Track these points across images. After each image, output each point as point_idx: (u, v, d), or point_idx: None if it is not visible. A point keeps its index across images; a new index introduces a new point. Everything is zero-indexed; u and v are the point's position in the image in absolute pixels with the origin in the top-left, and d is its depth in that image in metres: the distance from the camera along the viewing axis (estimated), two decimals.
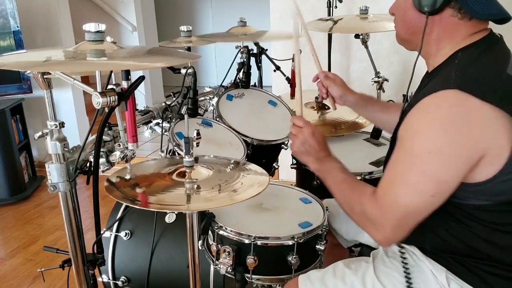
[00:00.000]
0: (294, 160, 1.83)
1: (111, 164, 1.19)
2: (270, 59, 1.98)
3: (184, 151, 1.12)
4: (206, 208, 1.16)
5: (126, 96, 1.02)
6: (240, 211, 1.36)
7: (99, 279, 1.57)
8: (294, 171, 1.86)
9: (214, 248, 1.27)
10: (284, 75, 1.97)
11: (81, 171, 1.12)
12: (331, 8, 2.49)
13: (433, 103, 0.92)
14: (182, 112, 1.61)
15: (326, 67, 2.58)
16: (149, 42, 5.09)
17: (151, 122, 1.58)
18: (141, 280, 1.54)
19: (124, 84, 1.04)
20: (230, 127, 1.71)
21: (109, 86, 1.04)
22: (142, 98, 4.91)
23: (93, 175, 1.09)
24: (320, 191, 1.61)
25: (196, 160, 1.17)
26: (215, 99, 1.80)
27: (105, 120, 1.03)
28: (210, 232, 1.30)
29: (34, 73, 1.05)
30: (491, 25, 1.02)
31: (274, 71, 2.01)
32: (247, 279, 1.25)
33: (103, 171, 1.16)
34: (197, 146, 1.14)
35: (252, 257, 1.22)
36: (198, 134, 1.14)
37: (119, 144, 1.16)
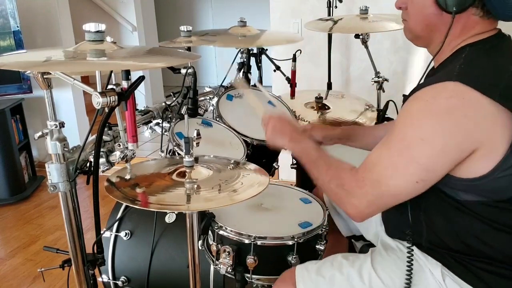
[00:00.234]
0: (294, 160, 1.83)
1: (111, 164, 1.19)
2: (270, 59, 1.98)
3: (184, 151, 1.12)
4: (206, 208, 1.15)
5: (126, 96, 1.02)
6: (240, 211, 1.36)
7: (99, 279, 1.57)
8: (294, 171, 1.86)
9: (214, 248, 1.27)
10: (284, 75, 1.97)
11: (81, 171, 1.12)
12: (331, 8, 2.50)
13: (431, 93, 0.92)
14: (182, 112, 1.61)
15: (326, 67, 2.59)
16: (149, 42, 5.09)
17: (151, 122, 1.58)
18: (141, 280, 1.54)
19: (124, 84, 1.04)
20: (230, 127, 1.71)
21: (109, 86, 1.04)
22: (142, 98, 4.91)
23: (93, 175, 1.09)
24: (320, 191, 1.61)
25: (196, 160, 1.17)
26: (215, 99, 1.80)
27: (105, 120, 1.03)
28: (210, 232, 1.30)
29: (34, 73, 1.05)
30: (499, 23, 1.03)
31: (274, 71, 2.01)
32: (247, 279, 1.25)
33: (103, 171, 1.16)
34: (197, 146, 1.14)
35: (252, 257, 1.22)
36: (198, 134, 1.14)
37: (119, 144, 1.16)
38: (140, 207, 0.99)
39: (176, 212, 1.53)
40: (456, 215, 0.99)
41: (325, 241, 1.31)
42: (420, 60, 2.57)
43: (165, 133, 1.58)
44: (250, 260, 1.22)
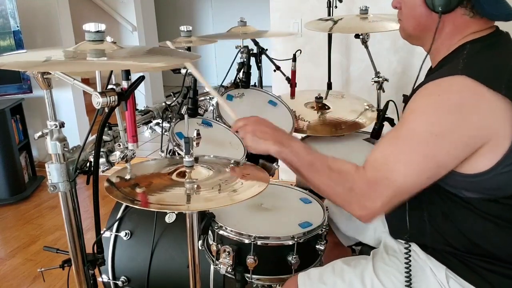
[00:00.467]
0: None
1: (111, 164, 1.19)
2: (270, 59, 1.98)
3: (184, 151, 1.12)
4: (206, 208, 1.15)
5: (126, 96, 1.02)
6: (240, 211, 1.36)
7: (99, 279, 1.57)
8: None
9: (214, 248, 1.27)
10: (284, 75, 1.97)
11: (81, 171, 1.12)
12: (331, 8, 2.50)
13: (440, 87, 0.92)
14: (182, 112, 1.61)
15: (326, 67, 2.59)
16: (149, 42, 5.09)
17: (151, 122, 1.58)
18: (141, 280, 1.54)
19: (124, 84, 1.04)
20: (230, 127, 1.70)
21: (109, 86, 1.04)
22: (142, 98, 4.91)
23: (93, 175, 1.09)
24: None
25: (196, 160, 1.17)
26: (215, 99, 1.80)
27: (105, 120, 1.03)
28: (210, 232, 1.30)
29: (34, 73, 1.05)
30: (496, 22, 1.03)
31: (274, 71, 2.01)
32: (247, 279, 1.25)
33: (103, 171, 1.16)
34: (197, 146, 1.14)
35: (252, 257, 1.22)
36: (198, 134, 1.14)
37: (119, 144, 1.16)
38: (140, 207, 0.99)
39: (176, 212, 1.53)
40: (460, 213, 0.99)
41: (325, 241, 1.31)
42: (420, 60, 2.56)
43: (165, 133, 1.58)
44: (250, 260, 1.22)
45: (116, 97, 0.99)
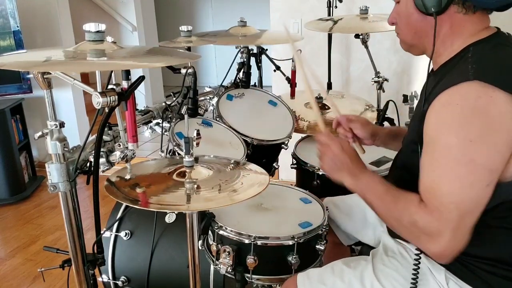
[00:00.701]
0: (294, 160, 1.83)
1: (111, 164, 1.19)
2: (270, 59, 1.98)
3: (184, 151, 1.12)
4: (206, 208, 1.15)
5: (126, 96, 1.02)
6: (240, 211, 1.36)
7: (99, 279, 1.57)
8: (294, 171, 1.86)
9: (214, 248, 1.27)
10: (284, 75, 1.97)
11: (81, 171, 1.12)
12: (331, 8, 2.50)
13: (458, 95, 0.91)
14: (182, 112, 1.61)
15: (326, 67, 2.59)
16: (149, 42, 5.09)
17: (151, 122, 1.58)
18: (141, 280, 1.54)
19: (124, 84, 1.04)
20: (230, 127, 1.71)
21: (109, 86, 1.04)
22: (142, 98, 4.91)
23: (93, 175, 1.09)
24: (320, 191, 1.61)
25: (196, 160, 1.17)
26: (215, 99, 1.80)
27: (105, 120, 1.03)
28: (210, 232, 1.30)
29: (34, 73, 1.05)
30: (492, 17, 1.03)
31: (274, 71, 2.01)
32: (247, 279, 1.25)
33: (103, 171, 1.16)
34: (197, 146, 1.14)
35: (252, 257, 1.22)
36: (198, 134, 1.14)
37: (119, 144, 1.16)
38: (140, 207, 0.99)
39: (176, 212, 1.53)
40: None
41: (325, 241, 1.31)
42: (420, 60, 2.57)
43: (165, 133, 1.58)
44: (250, 260, 1.22)
45: (116, 97, 0.99)
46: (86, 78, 4.33)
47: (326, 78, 2.58)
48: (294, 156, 1.81)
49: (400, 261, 1.11)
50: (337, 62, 2.78)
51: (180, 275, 1.46)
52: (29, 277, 2.25)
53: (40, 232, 2.69)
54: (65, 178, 1.09)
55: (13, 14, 3.07)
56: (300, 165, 1.78)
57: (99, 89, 1.00)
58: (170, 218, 1.55)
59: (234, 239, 1.24)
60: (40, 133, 1.08)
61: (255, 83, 2.00)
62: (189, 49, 1.70)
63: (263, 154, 1.77)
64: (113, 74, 1.07)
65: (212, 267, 1.41)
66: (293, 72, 1.94)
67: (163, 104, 1.61)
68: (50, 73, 1.04)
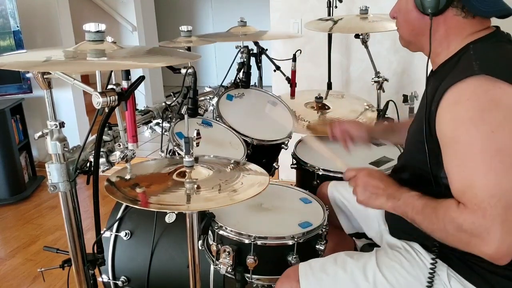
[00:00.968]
0: (294, 160, 1.83)
1: (111, 164, 1.19)
2: (270, 59, 1.98)
3: (184, 151, 1.12)
4: (206, 208, 1.16)
5: (126, 96, 1.02)
6: (240, 211, 1.36)
7: (99, 279, 1.57)
8: (294, 171, 1.86)
9: (214, 248, 1.27)
10: (284, 75, 1.97)
11: (81, 171, 1.12)
12: (331, 8, 2.49)
13: (467, 91, 0.91)
14: (182, 112, 1.61)
15: (326, 67, 2.59)
16: (149, 42, 5.09)
17: (151, 122, 1.58)
18: (141, 280, 1.54)
19: (124, 84, 1.04)
20: (230, 127, 1.71)
21: (109, 86, 1.04)
22: (142, 98, 4.90)
23: (93, 175, 1.09)
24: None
25: (196, 160, 1.17)
26: (215, 99, 1.80)
27: (105, 120, 1.03)
28: (210, 232, 1.30)
29: (34, 73, 1.05)
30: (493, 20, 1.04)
31: (274, 71, 2.01)
32: (247, 279, 1.25)
33: (103, 171, 1.16)
34: (197, 146, 1.14)
35: (252, 257, 1.22)
36: (198, 134, 1.14)
37: (119, 144, 1.16)
38: (140, 207, 0.99)
39: (176, 212, 1.53)
40: None
41: (325, 241, 1.31)
42: (419, 60, 2.57)
43: (165, 133, 1.58)
44: (250, 260, 1.22)
45: (116, 97, 0.99)
46: (86, 78, 4.31)
47: (326, 78, 2.58)
48: (294, 156, 1.81)
49: (405, 255, 1.11)
50: (337, 62, 2.78)
51: (180, 275, 1.46)
52: (29, 277, 2.25)
53: (40, 232, 2.69)
54: (65, 178, 1.09)
55: (13, 14, 3.07)
56: (300, 165, 1.78)
57: (99, 89, 1.00)
58: (170, 218, 1.55)
59: (234, 239, 1.24)
60: (40, 133, 1.08)
61: (255, 83, 2.00)
62: (189, 49, 1.70)
63: (263, 154, 1.77)
64: (113, 74, 1.07)
65: (212, 267, 1.41)
66: (293, 72, 1.94)
67: (163, 104, 1.61)
68: (50, 73, 1.04)
